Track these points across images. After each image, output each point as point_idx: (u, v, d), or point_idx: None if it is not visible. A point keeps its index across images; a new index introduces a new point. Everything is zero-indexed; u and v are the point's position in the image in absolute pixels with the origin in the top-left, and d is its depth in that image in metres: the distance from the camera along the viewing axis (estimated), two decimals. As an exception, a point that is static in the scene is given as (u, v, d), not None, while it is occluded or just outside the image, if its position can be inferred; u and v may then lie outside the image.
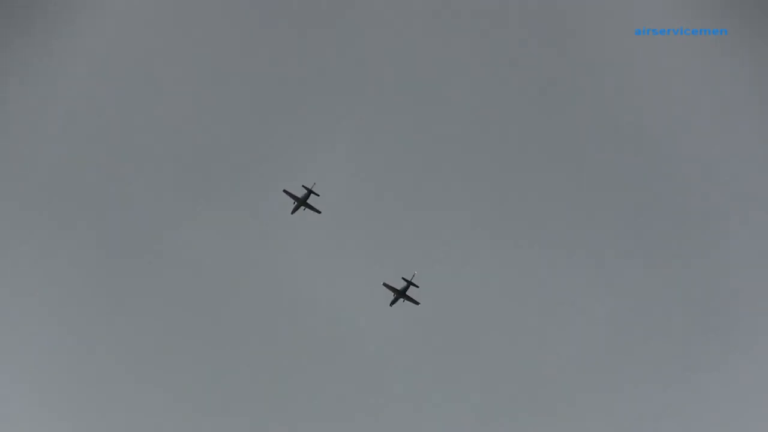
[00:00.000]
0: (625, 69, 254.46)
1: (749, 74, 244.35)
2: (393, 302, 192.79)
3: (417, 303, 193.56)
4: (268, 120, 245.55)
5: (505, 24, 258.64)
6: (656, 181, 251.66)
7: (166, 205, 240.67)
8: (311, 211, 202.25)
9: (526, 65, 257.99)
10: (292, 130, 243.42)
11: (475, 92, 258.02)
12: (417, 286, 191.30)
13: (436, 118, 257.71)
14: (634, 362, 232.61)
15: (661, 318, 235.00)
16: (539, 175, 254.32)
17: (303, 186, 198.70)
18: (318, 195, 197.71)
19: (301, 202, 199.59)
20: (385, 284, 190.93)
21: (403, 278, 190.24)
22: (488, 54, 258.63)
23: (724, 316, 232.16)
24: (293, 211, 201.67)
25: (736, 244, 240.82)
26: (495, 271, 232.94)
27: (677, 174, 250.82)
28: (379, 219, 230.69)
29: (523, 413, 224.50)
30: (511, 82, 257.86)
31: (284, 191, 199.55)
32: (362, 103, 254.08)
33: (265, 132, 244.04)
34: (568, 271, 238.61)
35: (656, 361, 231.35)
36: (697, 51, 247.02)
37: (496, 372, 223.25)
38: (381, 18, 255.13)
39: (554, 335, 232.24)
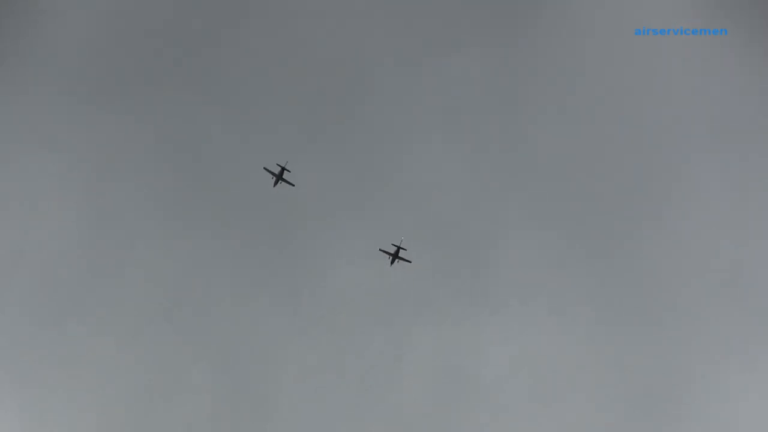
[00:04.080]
0: (625, 69, 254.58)
1: (749, 74, 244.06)
2: (391, 263, 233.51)
3: (409, 261, 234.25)
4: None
5: (505, 24, 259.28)
6: (656, 186, 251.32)
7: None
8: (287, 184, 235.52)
9: (525, 65, 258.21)
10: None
11: (470, 91, 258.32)
12: (405, 249, 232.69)
13: (432, 116, 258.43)
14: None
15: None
16: (533, 184, 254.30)
17: (277, 164, 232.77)
18: (289, 171, 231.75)
19: (278, 178, 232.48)
20: (380, 250, 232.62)
21: (392, 244, 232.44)
22: (486, 54, 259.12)
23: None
24: (274, 185, 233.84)
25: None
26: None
27: (675, 176, 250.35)
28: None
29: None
30: (509, 82, 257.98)
31: (264, 168, 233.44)
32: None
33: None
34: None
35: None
36: (697, 51, 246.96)
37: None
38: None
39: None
